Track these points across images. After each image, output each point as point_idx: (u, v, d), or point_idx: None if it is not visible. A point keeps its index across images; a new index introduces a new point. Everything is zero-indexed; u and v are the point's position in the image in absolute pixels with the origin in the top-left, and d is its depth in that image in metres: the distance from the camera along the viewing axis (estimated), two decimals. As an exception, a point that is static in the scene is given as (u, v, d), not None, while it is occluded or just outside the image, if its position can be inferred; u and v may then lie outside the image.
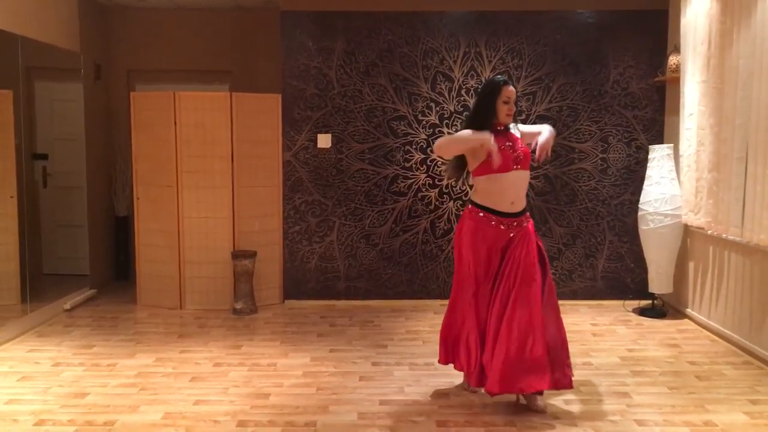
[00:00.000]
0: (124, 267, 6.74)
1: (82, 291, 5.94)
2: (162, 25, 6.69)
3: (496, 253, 3.61)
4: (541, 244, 3.69)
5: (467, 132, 3.60)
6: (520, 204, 3.63)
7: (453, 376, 4.00)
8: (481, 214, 3.61)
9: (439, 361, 3.88)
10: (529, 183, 5.67)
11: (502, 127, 3.64)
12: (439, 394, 3.82)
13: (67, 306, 5.58)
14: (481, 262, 3.61)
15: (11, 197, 5.13)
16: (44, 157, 6.03)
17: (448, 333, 3.81)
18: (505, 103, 3.60)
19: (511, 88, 3.64)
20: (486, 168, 3.56)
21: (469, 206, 3.69)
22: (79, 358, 4.39)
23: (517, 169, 3.58)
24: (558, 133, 5.77)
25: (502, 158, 3.51)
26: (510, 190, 3.58)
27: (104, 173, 6.62)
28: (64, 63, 5.96)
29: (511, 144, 3.60)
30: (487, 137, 3.50)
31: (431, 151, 5.76)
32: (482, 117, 3.61)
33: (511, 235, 3.60)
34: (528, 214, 3.72)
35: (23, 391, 3.81)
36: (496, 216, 3.58)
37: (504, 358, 3.45)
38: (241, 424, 3.41)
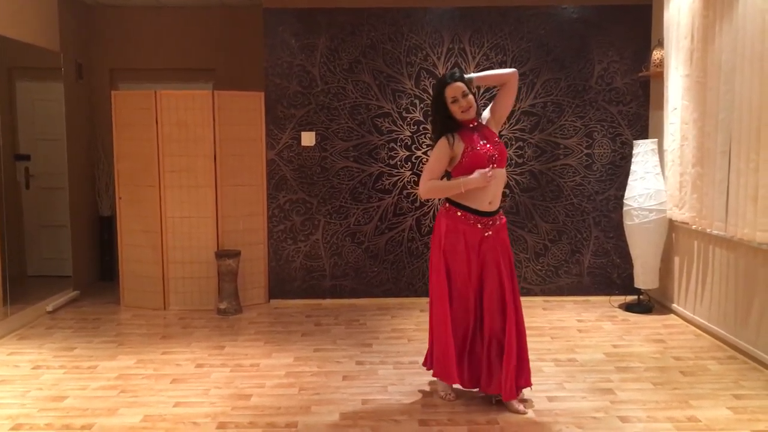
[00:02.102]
0: (108, 267, 6.69)
1: (65, 292, 5.88)
2: (145, 23, 6.64)
3: (473, 250, 3.56)
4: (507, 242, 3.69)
5: (457, 182, 3.50)
6: (496, 203, 3.60)
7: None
8: (459, 213, 3.56)
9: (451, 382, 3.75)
10: (515, 179, 5.73)
11: (474, 124, 3.57)
12: (423, 393, 3.79)
13: (50, 308, 5.52)
14: (461, 260, 3.57)
15: (-8, 198, 5.08)
16: (26, 157, 5.97)
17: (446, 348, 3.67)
18: (453, 102, 3.47)
19: (456, 84, 3.44)
20: (465, 169, 3.52)
21: (447, 205, 3.63)
22: (59, 361, 4.34)
23: (493, 168, 3.51)
24: (543, 129, 5.76)
25: (478, 159, 3.48)
26: (488, 190, 3.53)
27: (87, 173, 6.56)
28: (44, 62, 5.90)
29: (486, 142, 3.53)
30: (476, 178, 3.44)
31: (416, 149, 5.74)
32: (441, 123, 3.54)
33: (487, 234, 3.57)
34: (501, 211, 3.69)
35: (1, 395, 3.76)
36: (474, 215, 3.55)
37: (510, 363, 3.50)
38: (222, 425, 3.38)
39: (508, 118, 5.64)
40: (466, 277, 3.58)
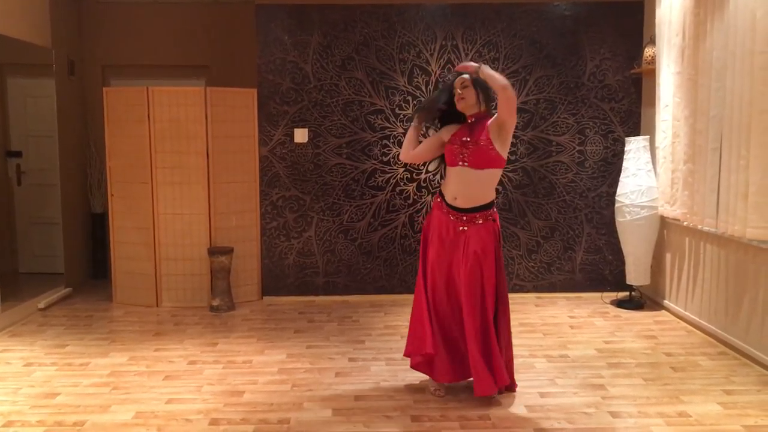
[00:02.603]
0: (101, 265, 6.66)
1: (58, 290, 5.86)
2: (137, 19, 6.61)
3: (444, 240, 3.61)
4: (498, 250, 3.65)
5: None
6: (465, 202, 3.57)
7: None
8: (439, 200, 3.71)
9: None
10: (507, 176, 5.74)
11: (473, 119, 3.61)
12: (415, 389, 3.80)
13: (42, 305, 5.51)
14: (432, 245, 3.66)
15: (-17, 195, 5.06)
16: (18, 154, 5.96)
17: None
18: (454, 90, 3.62)
19: (462, 76, 3.57)
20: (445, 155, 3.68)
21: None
22: (51, 358, 4.33)
23: (462, 165, 3.53)
24: (535, 126, 5.77)
25: (450, 153, 3.58)
26: (452, 185, 3.61)
27: (79, 170, 6.54)
28: (36, 59, 5.87)
29: (468, 140, 3.54)
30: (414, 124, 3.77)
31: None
32: (446, 109, 3.73)
33: (461, 228, 3.58)
34: (485, 213, 3.59)
35: (-7, 392, 3.76)
36: (447, 206, 3.64)
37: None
38: (214, 422, 3.38)
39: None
40: (435, 265, 3.64)
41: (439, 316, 3.67)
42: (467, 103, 3.55)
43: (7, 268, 5.53)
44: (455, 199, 3.58)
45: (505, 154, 3.56)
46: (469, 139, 3.53)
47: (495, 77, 3.41)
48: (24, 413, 3.48)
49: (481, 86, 3.53)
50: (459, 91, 3.55)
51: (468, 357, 3.56)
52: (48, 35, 5.89)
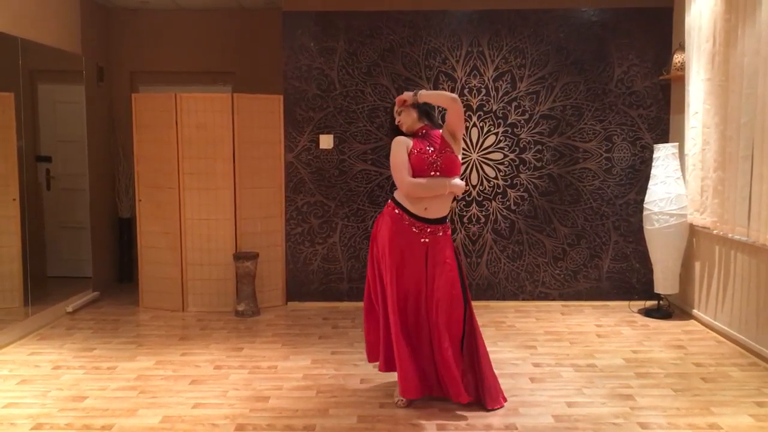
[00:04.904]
0: (127, 269, 6.74)
1: (85, 293, 5.93)
2: (164, 26, 6.69)
3: (411, 256, 3.59)
4: (460, 259, 3.71)
5: (442, 182, 3.57)
6: (436, 212, 3.60)
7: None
8: (397, 212, 3.62)
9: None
10: (533, 182, 5.71)
11: (422, 132, 3.64)
12: (440, 397, 3.76)
13: (69, 308, 5.57)
14: (398, 263, 3.59)
15: (14, 200, 5.13)
16: (48, 159, 6.03)
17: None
18: (396, 112, 3.70)
19: (398, 98, 3.68)
20: (410, 169, 3.57)
21: (389, 201, 3.72)
22: (79, 361, 4.38)
23: (434, 176, 3.55)
24: (562, 133, 5.73)
25: (420, 162, 3.54)
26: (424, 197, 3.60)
27: (107, 175, 6.62)
28: (66, 65, 5.96)
29: (432, 149, 3.57)
30: (460, 184, 3.62)
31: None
32: (390, 128, 3.84)
33: (424, 240, 3.59)
34: (446, 225, 3.67)
35: (22, 395, 3.80)
36: (409, 217, 3.59)
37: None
38: (240, 427, 3.38)
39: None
40: (402, 278, 3.60)
41: (408, 330, 3.64)
42: (408, 123, 3.65)
43: (35, 271, 5.60)
44: (426, 209, 3.58)
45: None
46: (432, 149, 3.58)
47: (439, 94, 3.74)
48: (53, 416, 3.51)
49: (418, 106, 3.65)
50: (396, 117, 3.70)
51: (440, 368, 3.60)
52: (78, 42, 5.98)
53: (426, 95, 3.64)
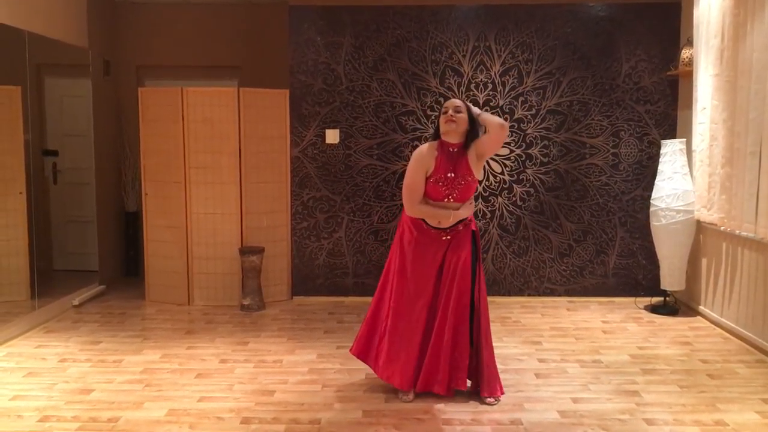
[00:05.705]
0: (134, 262, 6.75)
1: (92, 287, 5.95)
2: (171, 20, 6.68)
3: (428, 253, 3.64)
4: (478, 244, 3.72)
5: (447, 212, 3.59)
6: (450, 222, 3.63)
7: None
8: (416, 221, 3.69)
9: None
10: (540, 178, 5.69)
11: (455, 149, 3.60)
12: (442, 395, 3.77)
13: (76, 302, 5.59)
14: (413, 254, 3.65)
15: (20, 193, 5.14)
16: (54, 153, 6.04)
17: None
18: (444, 112, 3.59)
19: (454, 99, 3.68)
20: (427, 190, 3.60)
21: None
22: (85, 354, 4.39)
23: (449, 201, 3.60)
24: (568, 128, 5.71)
25: (435, 191, 3.56)
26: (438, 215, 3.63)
27: (114, 169, 6.63)
28: (72, 59, 5.96)
29: (453, 175, 3.56)
30: (444, 216, 3.58)
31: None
32: (434, 136, 3.72)
33: (445, 238, 3.63)
34: (465, 221, 3.68)
35: (29, 387, 3.81)
36: (427, 226, 3.65)
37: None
38: (245, 421, 3.39)
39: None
40: (402, 266, 3.67)
41: (402, 316, 3.69)
42: (457, 128, 3.57)
43: (42, 265, 5.62)
44: (439, 223, 3.63)
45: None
46: (454, 175, 3.57)
47: (492, 116, 3.63)
48: (59, 408, 3.53)
49: (472, 119, 3.61)
50: (451, 113, 3.56)
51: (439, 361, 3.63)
52: (85, 36, 5.99)
53: (480, 113, 3.65)
